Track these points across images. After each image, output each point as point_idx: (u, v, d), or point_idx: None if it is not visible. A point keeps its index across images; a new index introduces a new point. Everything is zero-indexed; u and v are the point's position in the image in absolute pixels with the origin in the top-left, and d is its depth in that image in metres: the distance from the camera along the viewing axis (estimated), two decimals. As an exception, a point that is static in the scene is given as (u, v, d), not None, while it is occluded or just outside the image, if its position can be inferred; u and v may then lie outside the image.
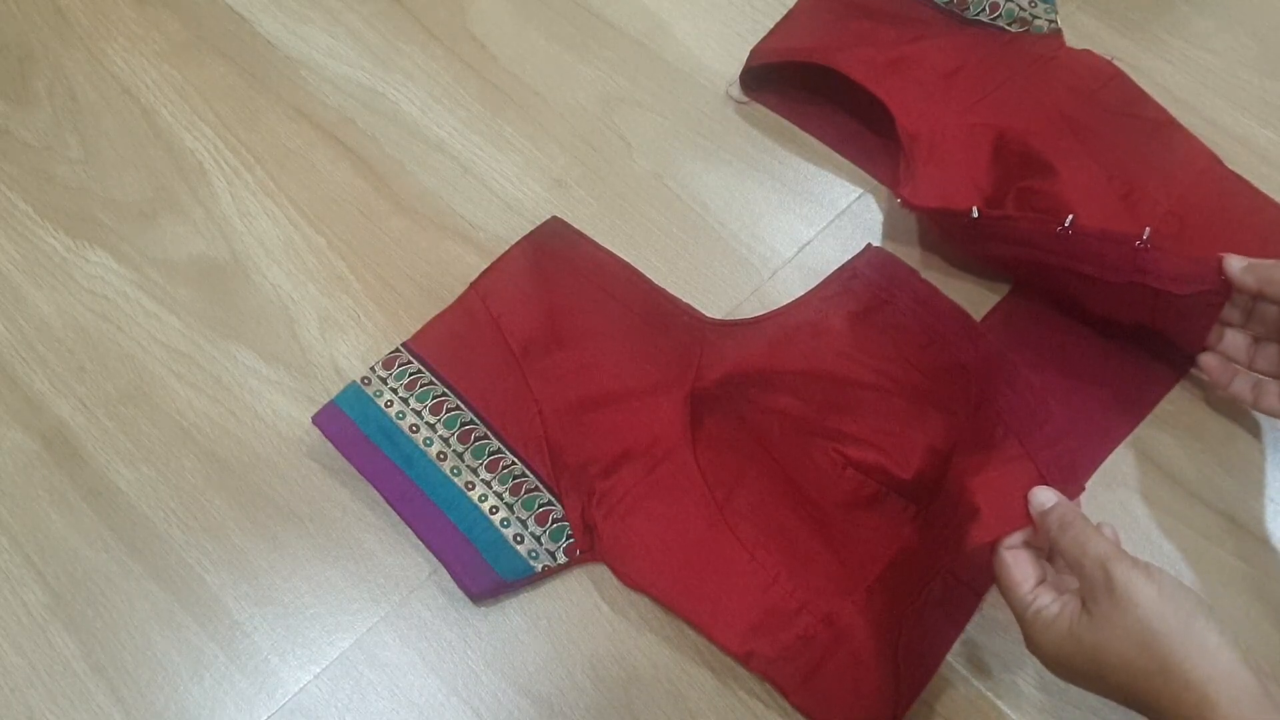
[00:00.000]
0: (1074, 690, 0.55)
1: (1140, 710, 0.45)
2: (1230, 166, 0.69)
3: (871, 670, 0.53)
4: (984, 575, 0.56)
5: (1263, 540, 0.59)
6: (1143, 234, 0.55)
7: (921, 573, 0.55)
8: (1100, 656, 0.44)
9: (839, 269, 0.65)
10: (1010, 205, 0.66)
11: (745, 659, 0.55)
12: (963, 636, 0.56)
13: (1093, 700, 0.55)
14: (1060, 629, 0.46)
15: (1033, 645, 0.48)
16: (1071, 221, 0.57)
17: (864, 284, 0.64)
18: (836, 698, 0.53)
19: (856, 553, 0.57)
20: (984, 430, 0.56)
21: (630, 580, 0.57)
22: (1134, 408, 0.62)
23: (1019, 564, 0.49)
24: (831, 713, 0.54)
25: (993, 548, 0.50)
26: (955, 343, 0.61)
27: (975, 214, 0.61)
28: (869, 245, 0.65)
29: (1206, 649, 0.42)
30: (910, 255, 0.68)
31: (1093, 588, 0.45)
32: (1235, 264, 0.55)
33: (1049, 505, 0.49)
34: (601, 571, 0.59)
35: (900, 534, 0.57)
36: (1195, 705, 0.41)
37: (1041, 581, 0.49)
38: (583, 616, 0.58)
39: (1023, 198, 0.66)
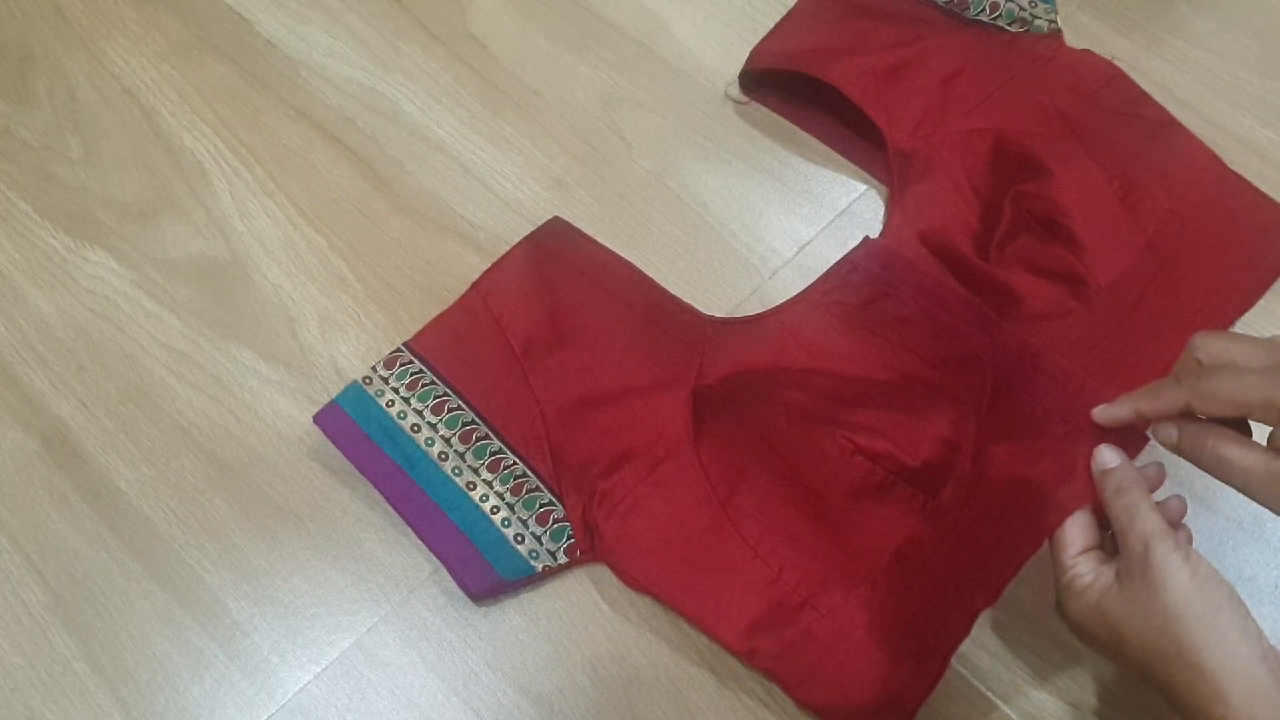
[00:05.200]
0: (1074, 689, 0.56)
1: (1153, 688, 0.45)
2: (1230, 166, 0.69)
3: (877, 665, 0.53)
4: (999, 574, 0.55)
5: (1262, 541, 0.59)
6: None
7: (937, 567, 0.55)
8: (1121, 631, 0.45)
9: (837, 262, 0.65)
10: (1007, 209, 0.66)
11: (748, 656, 0.55)
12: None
13: (1094, 700, 0.55)
14: (1089, 599, 0.47)
15: (1060, 610, 0.49)
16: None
17: (863, 276, 0.64)
18: (840, 693, 0.53)
19: (862, 545, 0.57)
20: (1018, 418, 0.57)
21: (632, 581, 0.57)
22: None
23: (1073, 528, 0.50)
24: (835, 708, 0.54)
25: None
26: (967, 333, 0.61)
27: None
28: (866, 238, 0.65)
29: (1227, 642, 0.42)
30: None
31: (1130, 561, 0.46)
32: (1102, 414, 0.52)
33: (1111, 466, 0.50)
34: (601, 571, 0.59)
35: (906, 524, 0.57)
36: (1209, 696, 0.41)
37: (1088, 550, 0.49)
38: (583, 616, 0.58)
39: (1019, 201, 0.66)
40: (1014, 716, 0.55)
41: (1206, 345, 0.49)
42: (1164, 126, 0.70)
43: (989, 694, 0.56)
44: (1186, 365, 0.50)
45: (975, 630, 0.55)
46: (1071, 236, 0.64)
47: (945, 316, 0.61)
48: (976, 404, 0.59)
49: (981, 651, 0.57)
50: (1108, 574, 0.47)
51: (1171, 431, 0.49)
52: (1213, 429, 0.48)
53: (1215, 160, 0.69)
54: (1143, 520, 0.47)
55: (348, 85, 0.76)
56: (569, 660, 0.57)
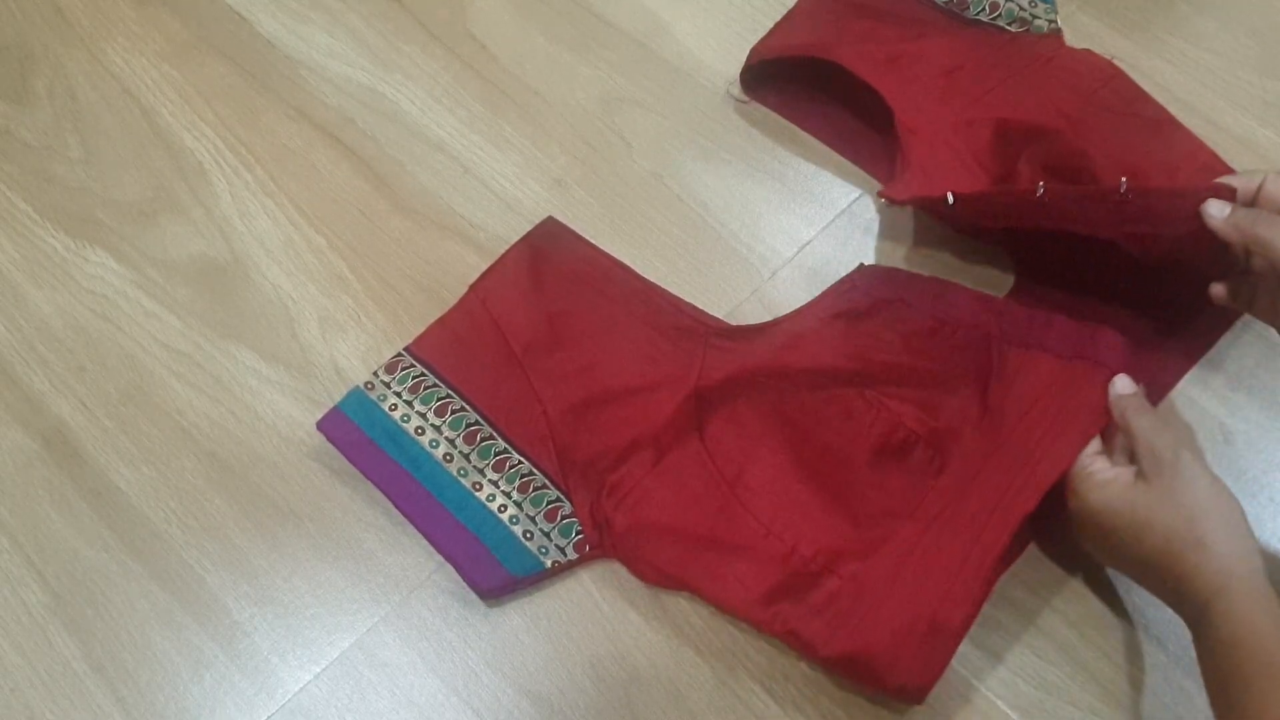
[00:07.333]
0: (1074, 689, 0.56)
1: (1155, 576, 0.51)
2: (1231, 166, 0.69)
3: (902, 615, 0.53)
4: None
5: (1261, 541, 0.59)
6: (1120, 185, 0.55)
7: (962, 508, 0.55)
8: (1149, 520, 0.51)
9: (836, 283, 0.66)
10: (1023, 170, 0.66)
11: (769, 621, 0.55)
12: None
13: (1092, 700, 0.55)
14: (1114, 490, 0.52)
15: (1077, 501, 0.54)
16: (1044, 188, 0.58)
17: (863, 293, 0.65)
18: (868, 644, 0.52)
19: (877, 511, 0.57)
20: (1030, 369, 0.59)
21: (645, 569, 0.57)
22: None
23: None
24: (862, 660, 0.53)
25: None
26: (970, 317, 0.62)
27: (950, 200, 0.61)
28: (861, 265, 0.66)
29: (1238, 534, 0.50)
30: (910, 256, 0.68)
31: (1159, 464, 0.52)
32: (1215, 214, 0.54)
33: (1128, 391, 0.55)
34: (602, 571, 0.59)
35: (921, 489, 0.57)
36: (1217, 570, 0.48)
37: (1099, 452, 0.55)
38: (583, 616, 0.58)
39: (1034, 160, 0.66)
40: (1013, 716, 0.55)
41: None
42: (1164, 126, 0.70)
43: (988, 693, 0.56)
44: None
45: (975, 630, 0.55)
46: (1093, 176, 0.64)
47: (946, 310, 0.62)
48: (982, 378, 0.60)
49: (981, 651, 0.57)
50: (1127, 473, 0.53)
51: (1224, 208, 0.54)
52: (1264, 214, 0.53)
53: (1216, 159, 0.69)
54: (1169, 433, 0.53)
55: (348, 85, 0.76)
56: (569, 660, 0.57)
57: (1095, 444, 0.55)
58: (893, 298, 0.64)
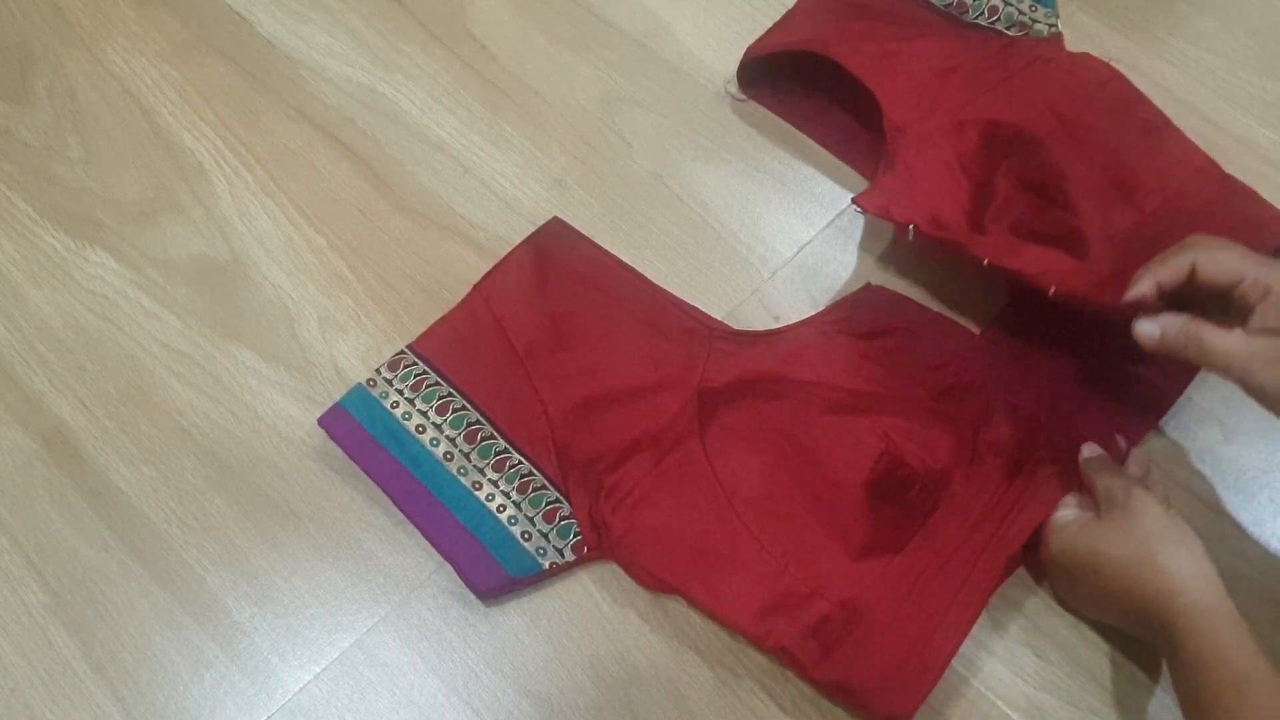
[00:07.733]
0: (1073, 690, 0.56)
1: (1119, 607, 0.53)
2: (1230, 167, 0.68)
3: (892, 649, 0.54)
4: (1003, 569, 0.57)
5: (1261, 541, 0.59)
6: (1049, 289, 0.57)
7: (949, 546, 0.56)
8: (1106, 551, 0.53)
9: (843, 299, 0.66)
10: (1000, 184, 0.66)
11: (763, 638, 0.55)
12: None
13: (1092, 700, 0.55)
14: (1072, 530, 0.55)
15: (1045, 550, 0.56)
16: (988, 263, 0.60)
17: (869, 312, 0.65)
18: (858, 673, 0.53)
19: (866, 546, 0.57)
20: (1016, 420, 0.61)
21: (642, 573, 0.57)
22: (1135, 420, 0.63)
23: None
24: (852, 688, 0.54)
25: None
26: (968, 366, 0.63)
27: (911, 233, 0.63)
28: (868, 284, 0.67)
29: (1191, 556, 0.51)
30: (910, 257, 0.68)
31: (1112, 502, 0.54)
32: (1146, 336, 0.54)
33: (1093, 455, 0.59)
34: (602, 571, 0.59)
35: (911, 527, 0.57)
36: (1171, 590, 0.50)
37: (1063, 505, 0.57)
38: (583, 616, 0.58)
39: (1012, 174, 0.66)
40: (1013, 716, 0.55)
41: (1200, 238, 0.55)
42: (1160, 129, 0.70)
43: (988, 693, 0.56)
44: (1186, 245, 0.55)
45: (975, 630, 0.55)
46: (1066, 199, 0.64)
47: (949, 348, 0.63)
48: (975, 424, 0.60)
49: (981, 651, 0.57)
50: (1085, 515, 0.56)
51: (1154, 329, 0.54)
52: (1194, 319, 0.53)
53: (1210, 163, 0.69)
54: (1122, 478, 0.56)
55: (348, 85, 0.76)
56: (569, 660, 0.57)
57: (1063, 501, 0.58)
58: (898, 327, 0.64)
